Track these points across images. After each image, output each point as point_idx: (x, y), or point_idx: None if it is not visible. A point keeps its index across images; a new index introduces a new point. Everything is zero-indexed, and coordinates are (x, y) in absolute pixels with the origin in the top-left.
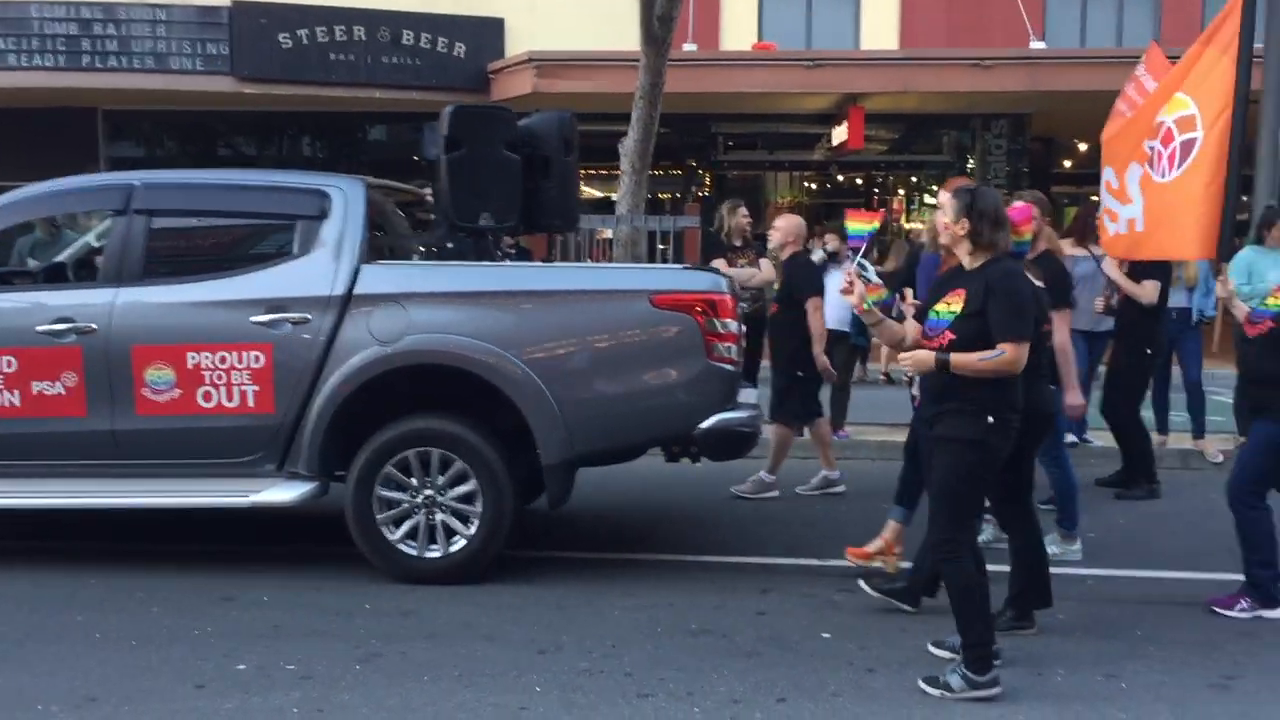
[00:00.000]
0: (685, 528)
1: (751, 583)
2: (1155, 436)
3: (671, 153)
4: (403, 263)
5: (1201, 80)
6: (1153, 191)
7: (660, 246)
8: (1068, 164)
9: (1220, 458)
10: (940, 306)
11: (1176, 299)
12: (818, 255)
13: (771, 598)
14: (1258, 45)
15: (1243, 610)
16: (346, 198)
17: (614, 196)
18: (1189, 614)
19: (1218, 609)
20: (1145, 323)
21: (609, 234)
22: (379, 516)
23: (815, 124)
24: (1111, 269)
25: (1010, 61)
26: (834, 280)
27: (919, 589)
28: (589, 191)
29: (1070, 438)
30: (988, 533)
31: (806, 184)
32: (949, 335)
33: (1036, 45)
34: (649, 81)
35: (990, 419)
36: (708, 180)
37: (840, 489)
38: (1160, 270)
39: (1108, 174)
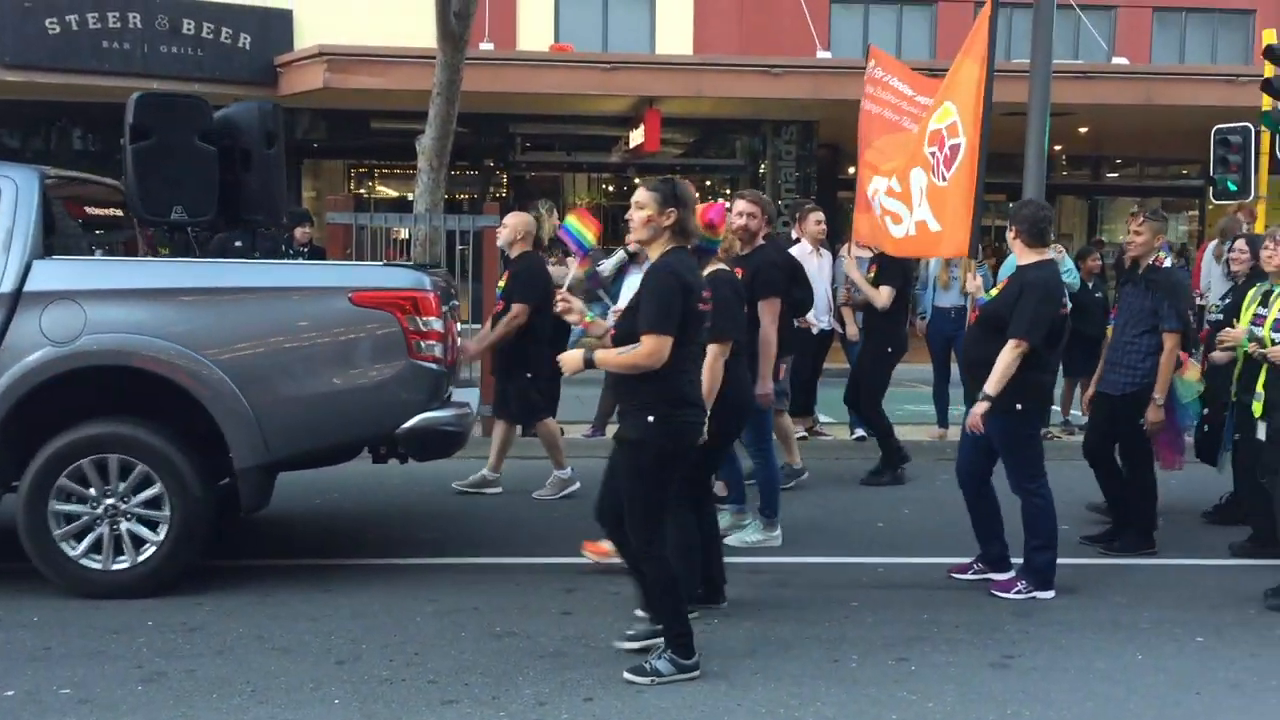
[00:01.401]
0: (482, 529)
1: (556, 583)
2: (935, 430)
3: (469, 152)
4: (81, 258)
5: (960, 89)
6: (934, 194)
7: (460, 247)
8: (853, 170)
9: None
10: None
11: (952, 299)
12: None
13: (577, 597)
14: (1023, 60)
15: (1019, 592)
16: (18, 188)
17: (411, 196)
18: (971, 597)
19: (996, 592)
20: (887, 324)
21: (405, 233)
22: (57, 532)
23: (613, 126)
24: (852, 270)
25: (797, 70)
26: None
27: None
28: (385, 190)
29: (860, 432)
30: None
31: (604, 186)
32: (612, 331)
33: (823, 55)
34: (446, 79)
35: (650, 418)
36: (505, 181)
37: (575, 487)
38: (899, 275)
39: (889, 181)
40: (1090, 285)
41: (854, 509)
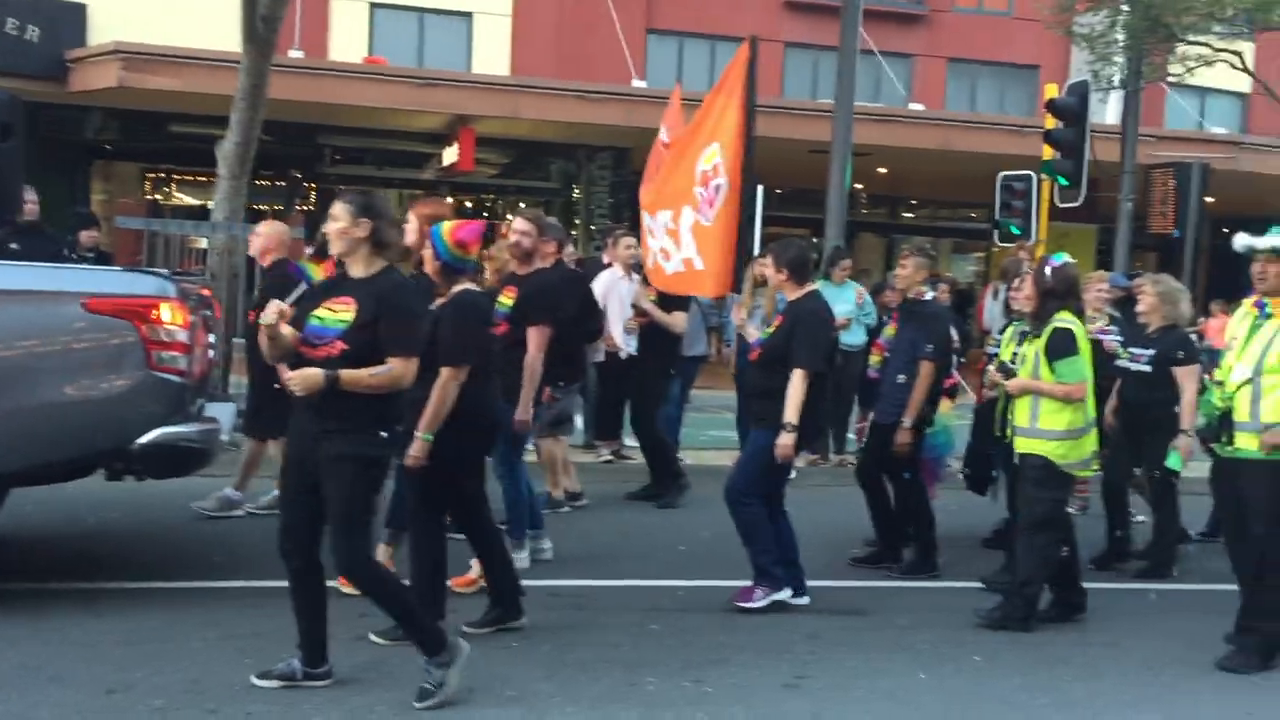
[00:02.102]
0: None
1: (349, 608)
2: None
3: (275, 162)
4: None
5: (721, 128)
6: (700, 234)
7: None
8: None
9: (793, 473)
10: (324, 313)
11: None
12: None
13: (370, 623)
14: (827, 101)
15: (760, 599)
16: None
17: (210, 204)
18: (766, 620)
19: (740, 604)
20: (668, 347)
21: (204, 243)
22: None
23: (427, 143)
24: (643, 299)
25: (613, 97)
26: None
27: (504, 607)
28: (184, 198)
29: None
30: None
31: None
32: (340, 345)
33: (638, 84)
34: (250, 84)
35: (384, 433)
36: (313, 193)
37: (241, 511)
38: (685, 300)
39: (664, 217)
40: (885, 320)
41: (656, 531)
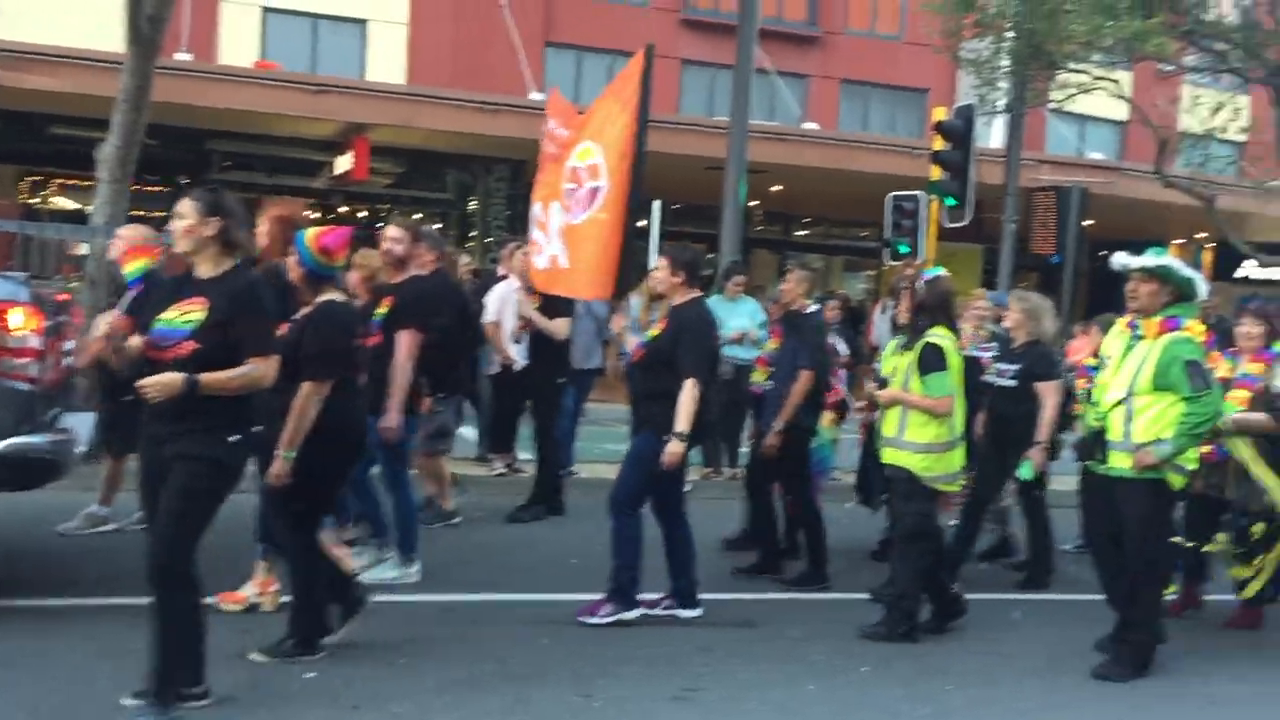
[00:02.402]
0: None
1: (231, 625)
2: None
3: (160, 166)
4: None
5: (605, 131)
6: (568, 232)
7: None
8: None
9: (689, 485)
10: (171, 314)
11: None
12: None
13: (253, 639)
14: (724, 118)
15: (606, 615)
16: None
17: (89, 208)
18: (658, 632)
19: (582, 618)
20: (555, 355)
21: (85, 249)
22: None
23: (319, 151)
24: (525, 304)
25: (510, 109)
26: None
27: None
28: (63, 202)
29: (571, 469)
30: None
31: (308, 212)
32: (191, 345)
33: (535, 96)
34: (134, 85)
35: (234, 437)
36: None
37: (111, 526)
38: (568, 306)
39: (536, 209)
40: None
41: (548, 545)
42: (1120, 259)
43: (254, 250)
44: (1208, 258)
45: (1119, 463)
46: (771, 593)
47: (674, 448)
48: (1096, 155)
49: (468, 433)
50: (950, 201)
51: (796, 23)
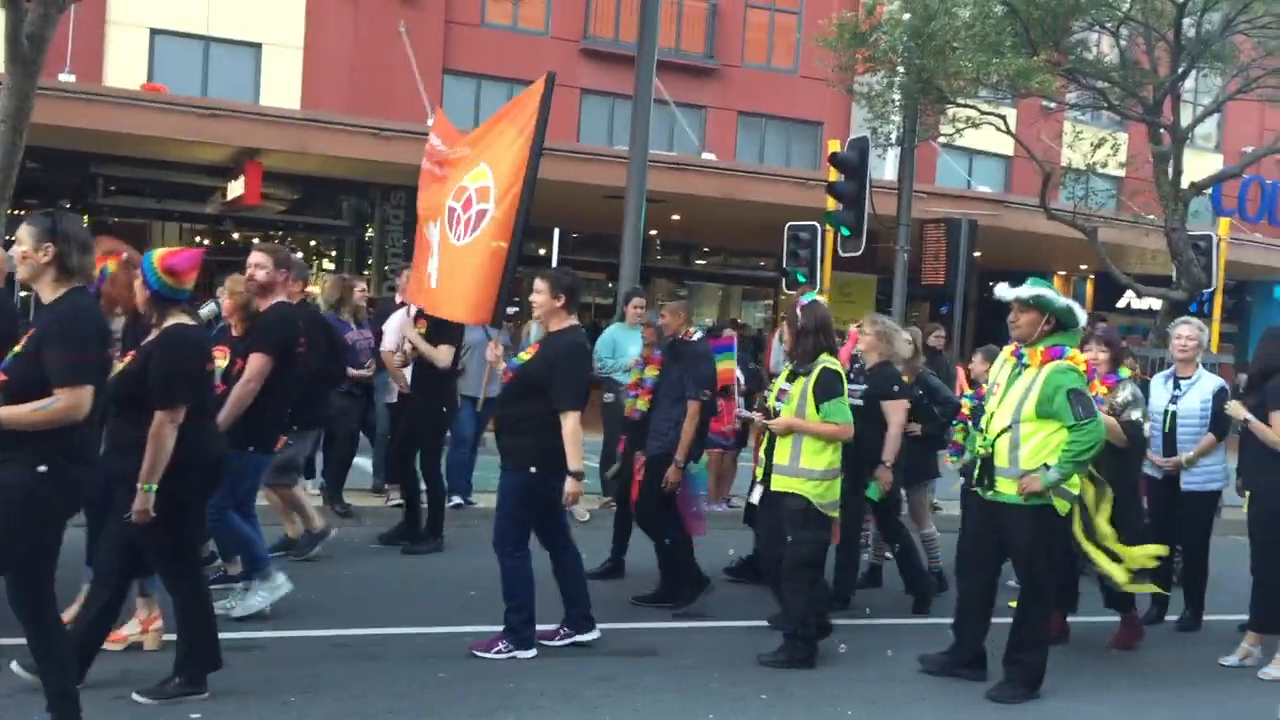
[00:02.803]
0: None
1: (114, 663)
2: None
3: (42, 190)
4: None
5: (499, 155)
6: (447, 252)
7: (22, 293)
8: None
9: (587, 516)
10: (19, 345)
11: None
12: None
13: (135, 677)
14: (623, 147)
15: (500, 652)
16: None
17: None
18: (556, 663)
19: (477, 651)
20: (442, 382)
21: None
22: None
23: (210, 176)
24: (409, 330)
25: (407, 135)
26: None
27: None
28: None
29: (456, 499)
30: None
31: (198, 238)
32: (1, 377)
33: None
34: (13, 106)
35: (43, 468)
36: (85, 223)
37: None
38: (454, 334)
39: (429, 230)
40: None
41: (445, 576)
42: (1002, 289)
43: (93, 276)
44: (1090, 288)
45: (1006, 489)
46: (671, 621)
47: (572, 487)
48: (984, 188)
49: (363, 463)
50: (845, 231)
51: (695, 55)
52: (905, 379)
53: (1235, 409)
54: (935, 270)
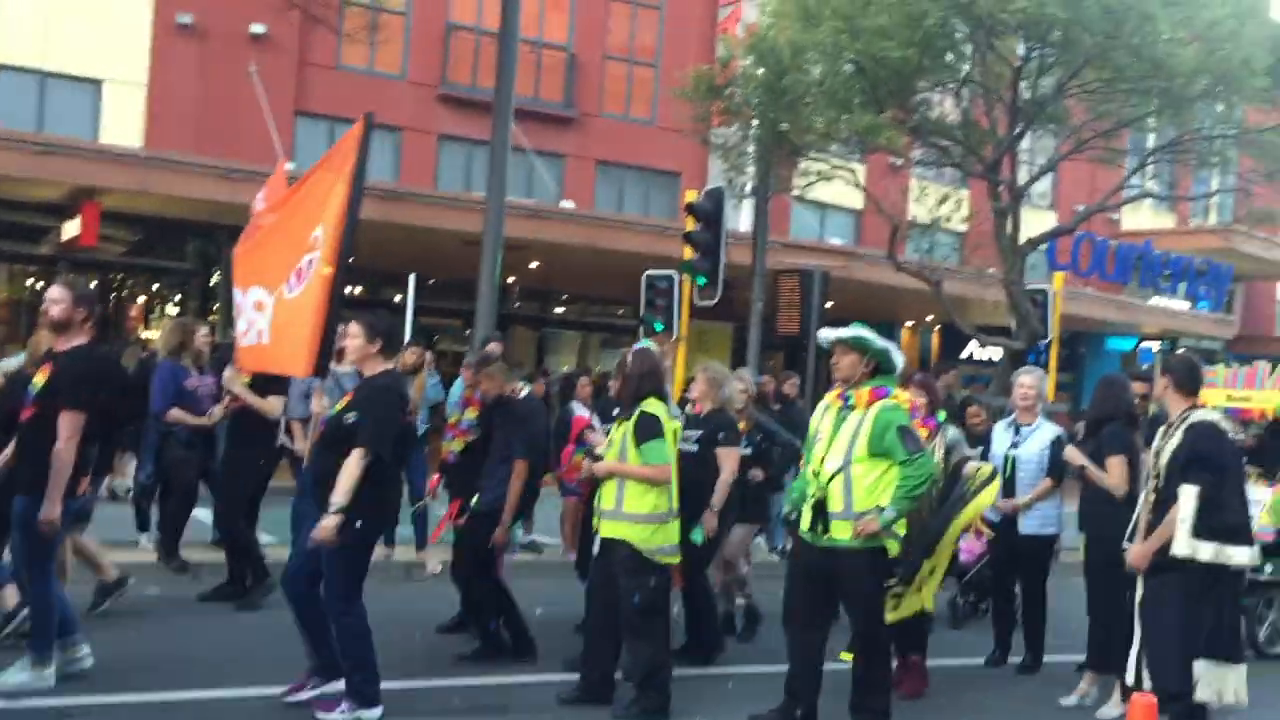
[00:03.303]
0: None
1: None
2: (381, 549)
3: None
4: None
5: (329, 207)
6: (280, 307)
7: None
8: None
9: (439, 568)
10: None
11: None
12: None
13: None
14: (480, 193)
15: (343, 713)
16: None
17: None
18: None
19: (321, 714)
20: (262, 434)
21: None
22: None
23: (45, 216)
24: (234, 382)
25: (256, 176)
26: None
27: None
28: None
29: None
30: None
31: (31, 280)
32: None
33: (287, 166)
34: None
35: None
36: None
37: None
38: (282, 384)
39: (258, 293)
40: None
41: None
42: (824, 332)
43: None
44: (936, 338)
45: (840, 534)
46: (523, 675)
47: (328, 523)
48: (836, 240)
49: (203, 515)
50: (701, 280)
51: (553, 103)
52: (742, 426)
53: (1073, 455)
54: (790, 319)
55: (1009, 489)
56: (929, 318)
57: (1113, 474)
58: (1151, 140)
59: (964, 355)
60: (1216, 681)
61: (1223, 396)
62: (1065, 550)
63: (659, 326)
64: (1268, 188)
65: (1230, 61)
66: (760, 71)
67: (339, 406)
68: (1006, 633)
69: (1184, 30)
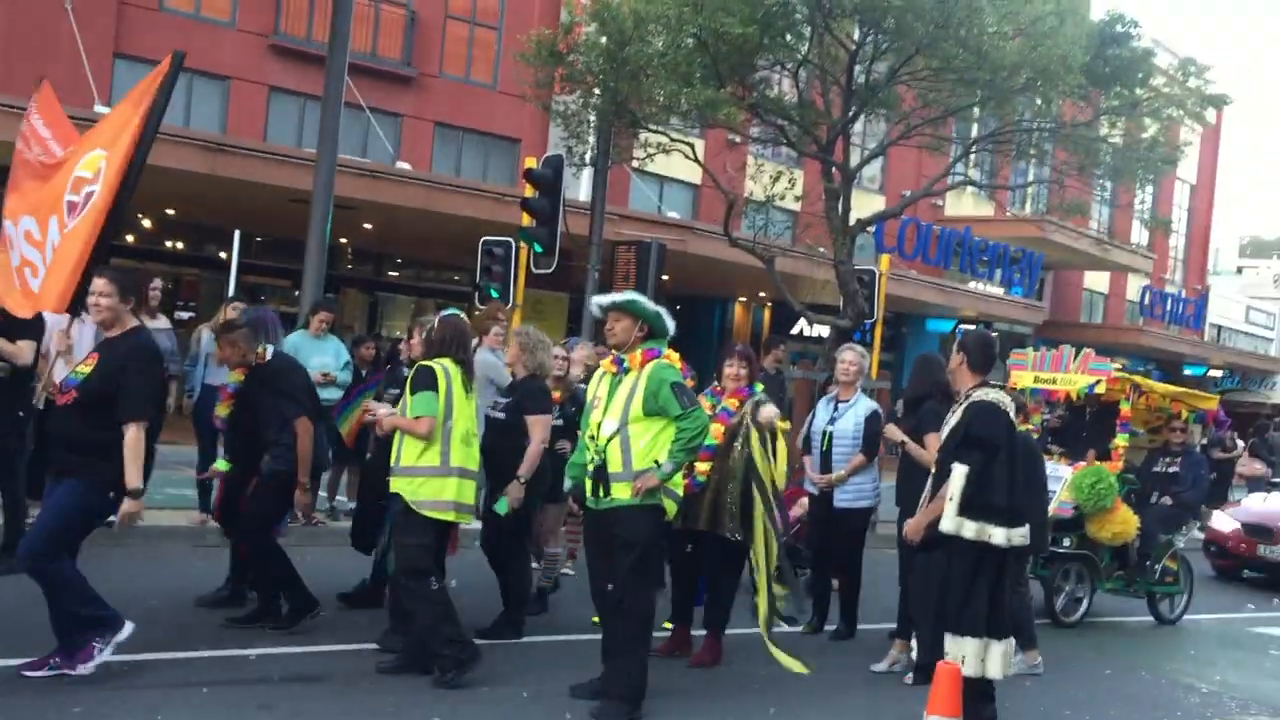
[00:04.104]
0: None
1: None
2: (196, 515)
3: None
4: None
5: (119, 137)
6: (62, 244)
7: None
8: (130, 238)
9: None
10: None
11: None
12: None
13: None
14: (311, 150)
15: (99, 653)
16: None
17: None
18: (215, 693)
19: (69, 670)
20: (16, 385)
21: None
22: None
23: None
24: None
25: (72, 120)
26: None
27: None
28: None
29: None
30: None
31: None
32: None
33: (101, 109)
34: None
35: None
36: None
37: None
38: (36, 328)
39: (28, 223)
40: (364, 374)
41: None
42: (596, 299)
43: None
44: (767, 315)
45: (621, 493)
46: (343, 644)
47: (129, 507)
48: (674, 214)
49: None
50: (538, 248)
51: (392, 61)
52: (556, 395)
53: (892, 431)
54: (625, 291)
55: (826, 463)
56: (761, 294)
57: (930, 450)
58: (975, 130)
59: (794, 332)
60: (980, 655)
61: (1031, 379)
62: (882, 523)
63: (495, 293)
64: (1079, 181)
65: (1049, 57)
66: (603, 40)
67: (85, 368)
68: (823, 601)
69: (1009, 25)
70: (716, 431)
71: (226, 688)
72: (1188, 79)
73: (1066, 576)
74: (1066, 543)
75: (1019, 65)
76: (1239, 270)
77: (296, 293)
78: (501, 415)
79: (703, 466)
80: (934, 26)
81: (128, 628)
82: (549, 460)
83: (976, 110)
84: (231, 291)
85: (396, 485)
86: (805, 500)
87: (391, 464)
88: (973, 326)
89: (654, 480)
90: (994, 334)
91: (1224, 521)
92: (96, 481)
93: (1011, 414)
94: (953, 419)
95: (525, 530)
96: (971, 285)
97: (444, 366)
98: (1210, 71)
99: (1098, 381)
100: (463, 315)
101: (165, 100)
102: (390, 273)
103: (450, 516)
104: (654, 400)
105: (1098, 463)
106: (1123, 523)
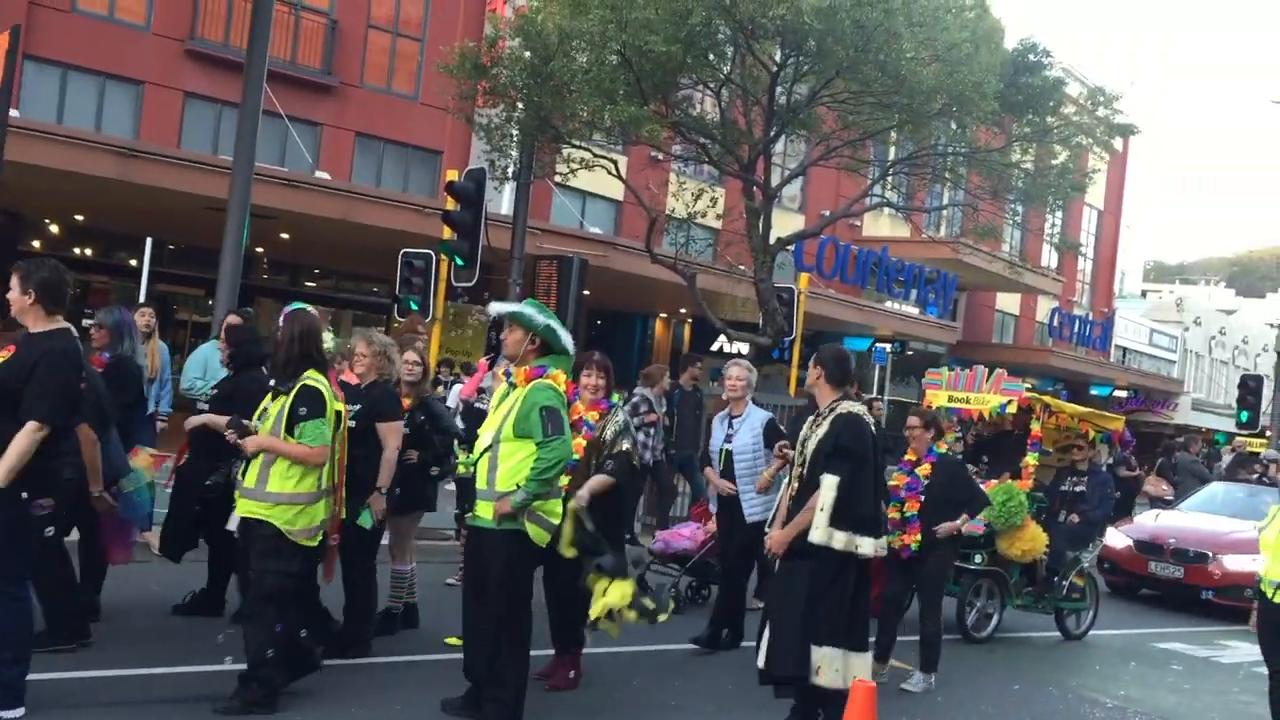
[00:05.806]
0: None
1: None
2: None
3: None
4: None
5: None
6: None
7: None
8: (37, 243)
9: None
10: None
11: None
12: None
13: None
14: (227, 157)
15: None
16: None
17: None
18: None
19: None
20: None
21: None
22: None
23: None
24: None
25: None
26: None
27: None
28: None
29: None
30: None
31: None
32: None
33: (12, 114)
34: None
35: None
36: None
37: None
38: None
39: None
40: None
41: None
42: (494, 306)
43: None
44: (688, 331)
45: (484, 512)
46: (148, 668)
47: (45, 503)
48: (596, 230)
49: None
50: (459, 261)
51: (311, 69)
52: (406, 403)
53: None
54: (547, 305)
55: (727, 480)
56: (682, 310)
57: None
58: (893, 153)
59: (714, 348)
60: (839, 666)
61: (944, 397)
62: None
63: (414, 306)
64: (992, 205)
65: (965, 84)
66: (527, 54)
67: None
68: (737, 615)
69: (926, 50)
70: (578, 446)
71: (133, 706)
72: (1097, 108)
73: (977, 592)
74: (978, 559)
75: (935, 90)
76: (1144, 294)
77: (210, 302)
78: (352, 423)
79: (563, 481)
80: (854, 50)
81: (13, 712)
82: (399, 470)
83: (894, 133)
84: (143, 299)
85: (263, 512)
86: (712, 524)
87: (247, 485)
88: (888, 345)
89: (508, 506)
90: (909, 352)
91: (1117, 538)
92: (22, 485)
93: (872, 427)
94: (817, 432)
95: (375, 543)
96: (888, 305)
97: (323, 385)
98: (1119, 101)
99: (1009, 401)
100: (310, 309)
101: (11, 79)
102: (307, 283)
103: (314, 541)
104: (524, 422)
105: (1009, 480)
106: (1032, 540)
